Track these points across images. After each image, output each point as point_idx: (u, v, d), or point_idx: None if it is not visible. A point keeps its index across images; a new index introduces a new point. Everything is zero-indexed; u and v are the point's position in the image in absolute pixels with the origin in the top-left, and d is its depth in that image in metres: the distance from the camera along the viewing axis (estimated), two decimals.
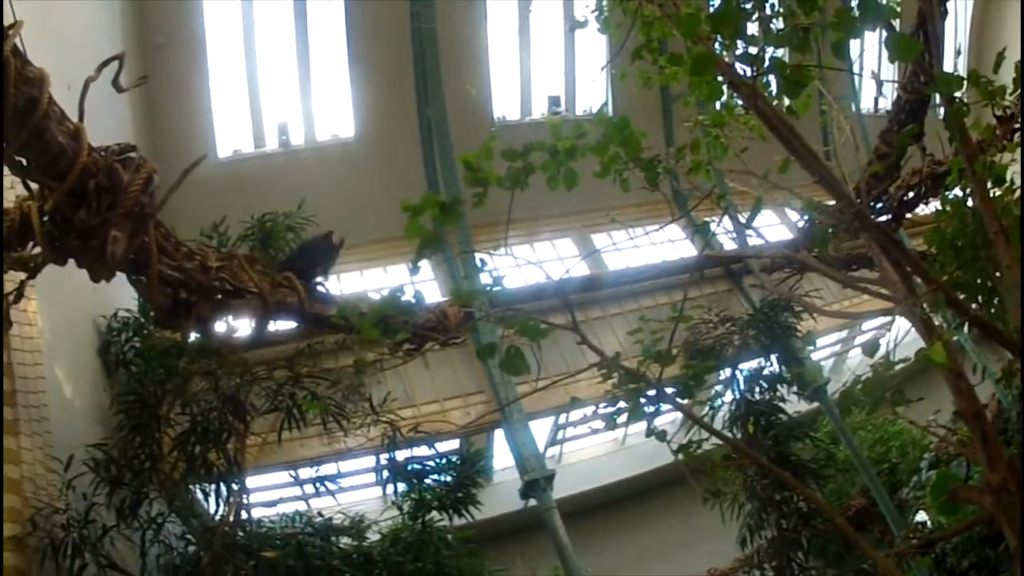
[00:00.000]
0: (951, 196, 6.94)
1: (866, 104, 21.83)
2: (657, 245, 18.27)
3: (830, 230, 6.83)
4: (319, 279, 8.97)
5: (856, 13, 4.45)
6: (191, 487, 9.71)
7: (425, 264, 15.70)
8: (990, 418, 16.15)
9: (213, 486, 9.59)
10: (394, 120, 17.16)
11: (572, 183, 6.88)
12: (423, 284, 16.15)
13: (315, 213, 11.74)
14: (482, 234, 15.37)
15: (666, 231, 17.00)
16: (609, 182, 7.22)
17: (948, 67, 29.60)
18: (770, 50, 4.93)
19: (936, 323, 6.04)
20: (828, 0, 5.22)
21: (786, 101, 6.64)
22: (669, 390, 6.18)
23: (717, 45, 5.52)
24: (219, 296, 7.47)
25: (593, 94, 19.39)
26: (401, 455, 11.38)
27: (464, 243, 14.46)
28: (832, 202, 6.10)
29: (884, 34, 4.64)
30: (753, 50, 4.93)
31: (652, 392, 6.22)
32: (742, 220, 11.08)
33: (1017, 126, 11.01)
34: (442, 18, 15.47)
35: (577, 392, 10.48)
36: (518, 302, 12.71)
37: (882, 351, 5.24)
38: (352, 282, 16.62)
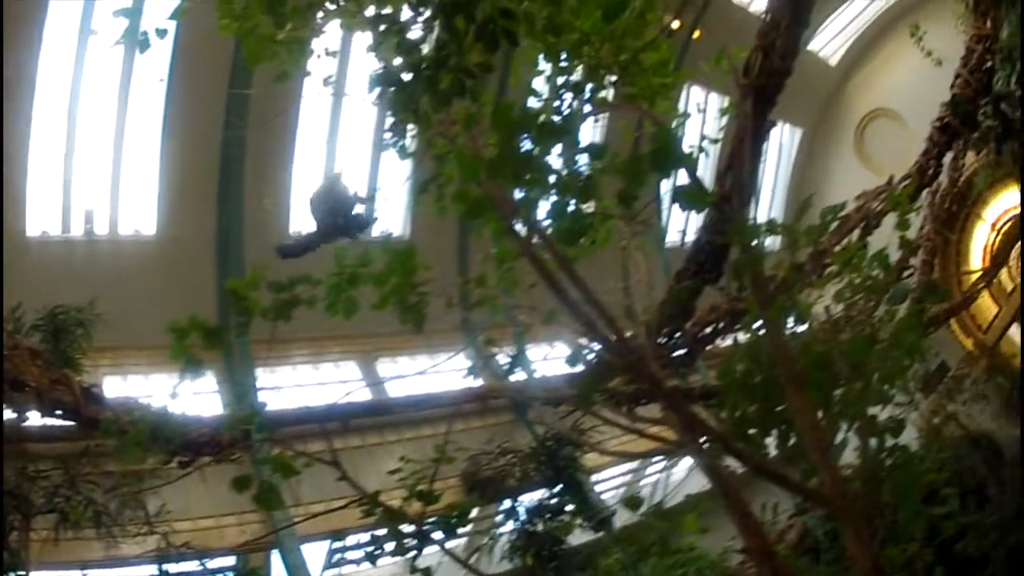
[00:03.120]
0: (746, 335, 7.18)
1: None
2: (444, 374, 18.32)
3: (598, 376, 7.14)
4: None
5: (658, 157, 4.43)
6: None
7: (211, 374, 15.48)
8: (796, 538, 16.82)
9: None
10: (194, 224, 16.87)
11: (351, 311, 7.08)
12: (206, 395, 15.73)
13: (105, 310, 11.48)
14: (272, 349, 15.21)
15: (453, 360, 17.29)
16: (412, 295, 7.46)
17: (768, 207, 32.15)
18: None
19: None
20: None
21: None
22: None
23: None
24: None
25: (395, 215, 19.64)
26: (179, 568, 11.03)
27: (245, 360, 14.32)
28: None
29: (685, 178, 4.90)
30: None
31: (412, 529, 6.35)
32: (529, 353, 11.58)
33: (827, 262, 11.56)
34: (255, 126, 15.63)
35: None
36: (295, 424, 12.75)
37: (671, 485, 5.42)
38: (137, 384, 16.00)
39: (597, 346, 6.12)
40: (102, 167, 16.55)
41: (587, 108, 7.07)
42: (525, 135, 4.69)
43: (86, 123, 16.08)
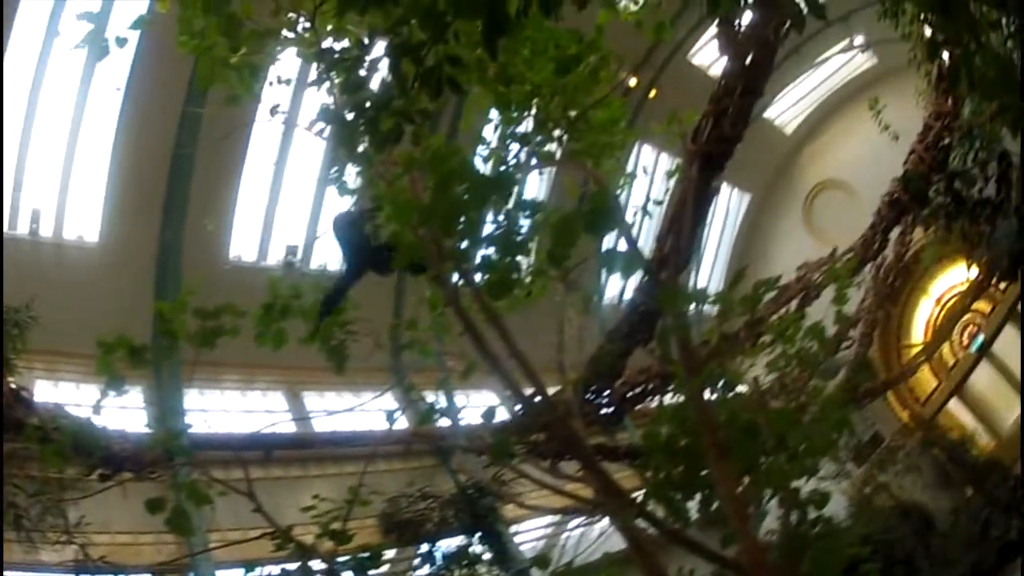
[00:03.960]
0: (674, 398, 7.13)
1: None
2: (370, 413, 18.17)
3: (518, 429, 7.11)
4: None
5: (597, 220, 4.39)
6: None
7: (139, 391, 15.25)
8: None
9: None
10: (137, 236, 16.68)
11: (279, 343, 7.01)
12: (134, 411, 15.44)
13: (43, 314, 11.26)
14: (202, 370, 15.03)
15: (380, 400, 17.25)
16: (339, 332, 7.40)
17: (710, 270, 32.34)
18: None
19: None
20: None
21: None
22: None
23: None
24: None
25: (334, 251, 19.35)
26: None
27: (174, 380, 14.13)
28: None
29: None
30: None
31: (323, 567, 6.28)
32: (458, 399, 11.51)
33: (762, 331, 11.55)
34: (206, 146, 15.53)
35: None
36: (217, 449, 12.54)
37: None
38: (68, 392, 15.69)
39: (519, 400, 6.09)
40: (53, 168, 16.34)
41: (533, 161, 7.07)
42: (461, 185, 4.65)
43: (42, 123, 15.86)
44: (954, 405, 28.94)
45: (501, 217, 5.12)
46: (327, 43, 6.97)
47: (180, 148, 15.95)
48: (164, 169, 16.51)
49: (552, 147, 7.10)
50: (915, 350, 28.33)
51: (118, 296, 15.77)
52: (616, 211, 4.95)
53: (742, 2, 3.98)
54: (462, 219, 4.58)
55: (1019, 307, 25.58)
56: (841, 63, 30.49)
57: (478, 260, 5.02)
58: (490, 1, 3.48)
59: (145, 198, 16.59)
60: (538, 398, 6.24)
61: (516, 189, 7.50)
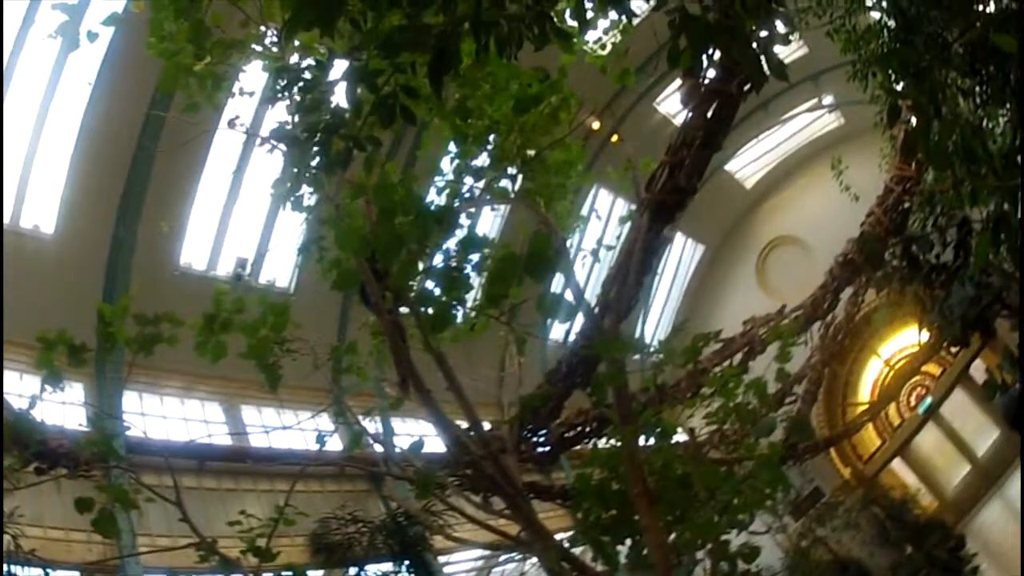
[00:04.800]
0: (607, 443, 7.14)
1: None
2: (308, 432, 18.01)
3: (450, 462, 7.07)
4: None
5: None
6: None
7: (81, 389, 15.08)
8: None
9: None
10: (91, 232, 16.47)
11: (218, 356, 6.96)
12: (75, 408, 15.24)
13: None
14: (144, 374, 15.01)
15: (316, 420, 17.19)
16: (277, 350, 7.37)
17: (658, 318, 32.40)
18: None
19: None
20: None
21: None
22: None
23: None
24: None
25: (284, 266, 19.37)
26: (24, 573, 10.63)
27: (115, 382, 13.97)
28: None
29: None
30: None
31: None
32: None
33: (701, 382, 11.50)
34: (167, 150, 15.43)
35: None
36: (152, 455, 12.40)
37: None
38: (11, 382, 15.41)
39: (448, 433, 6.09)
40: (16, 155, 16.06)
41: (487, 196, 7.09)
42: (406, 216, 4.64)
43: (8, 108, 15.57)
44: (898, 465, 29.25)
45: (445, 252, 5.10)
46: (293, 59, 6.99)
47: (141, 149, 15.84)
48: (124, 168, 16.39)
49: (506, 184, 7.13)
50: (860, 409, 28.61)
51: (68, 289, 15.58)
52: (558, 255, 4.97)
53: (703, 59, 3.95)
54: (404, 250, 4.59)
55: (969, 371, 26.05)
56: (808, 121, 30.92)
57: (419, 292, 5.02)
58: (440, 37, 3.47)
59: (103, 195, 16.42)
60: (471, 432, 6.25)
61: (469, 224, 7.58)
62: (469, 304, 5.80)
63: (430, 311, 4.91)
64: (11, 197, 16.21)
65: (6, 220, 16.05)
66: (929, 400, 28.26)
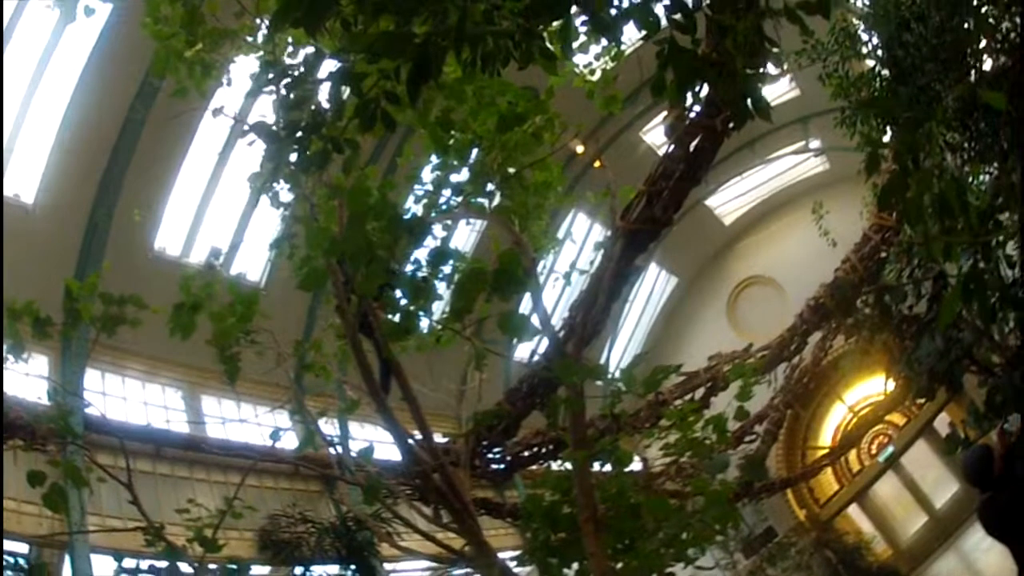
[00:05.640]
0: (559, 467, 7.15)
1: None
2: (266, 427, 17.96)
3: (402, 471, 7.05)
4: None
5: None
6: None
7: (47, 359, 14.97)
8: None
9: None
10: (71, 207, 16.41)
11: (188, 333, 6.95)
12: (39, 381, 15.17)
13: None
14: (108, 354, 14.97)
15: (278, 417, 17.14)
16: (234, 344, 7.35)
17: (625, 346, 32.42)
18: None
19: None
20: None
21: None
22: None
23: None
24: None
25: (258, 260, 19.15)
26: None
27: (79, 358, 13.86)
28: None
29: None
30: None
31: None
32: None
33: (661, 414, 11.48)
34: (150, 133, 15.43)
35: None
36: (109, 435, 12.31)
37: None
38: None
39: (400, 442, 6.09)
40: (4, 123, 15.93)
41: (463, 210, 7.09)
42: (377, 222, 4.64)
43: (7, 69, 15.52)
44: (854, 511, 29.40)
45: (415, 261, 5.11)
46: (285, 53, 7.00)
47: (127, 129, 15.90)
48: (108, 146, 16.36)
49: (483, 200, 7.14)
50: (820, 452, 28.72)
51: (42, 261, 15.49)
52: (527, 274, 4.98)
53: (688, 95, 3.97)
54: (372, 256, 4.59)
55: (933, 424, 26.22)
56: (793, 163, 31.09)
57: (385, 299, 5.02)
58: (422, 46, 3.47)
59: (85, 171, 16.37)
60: (423, 442, 6.25)
61: (444, 236, 7.60)
62: (436, 316, 5.82)
63: (391, 320, 4.94)
64: None
65: None
66: (891, 449, 28.45)
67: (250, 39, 7.63)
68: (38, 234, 16.16)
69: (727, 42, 3.89)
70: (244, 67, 8.13)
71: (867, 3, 10.57)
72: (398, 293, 4.95)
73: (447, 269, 5.25)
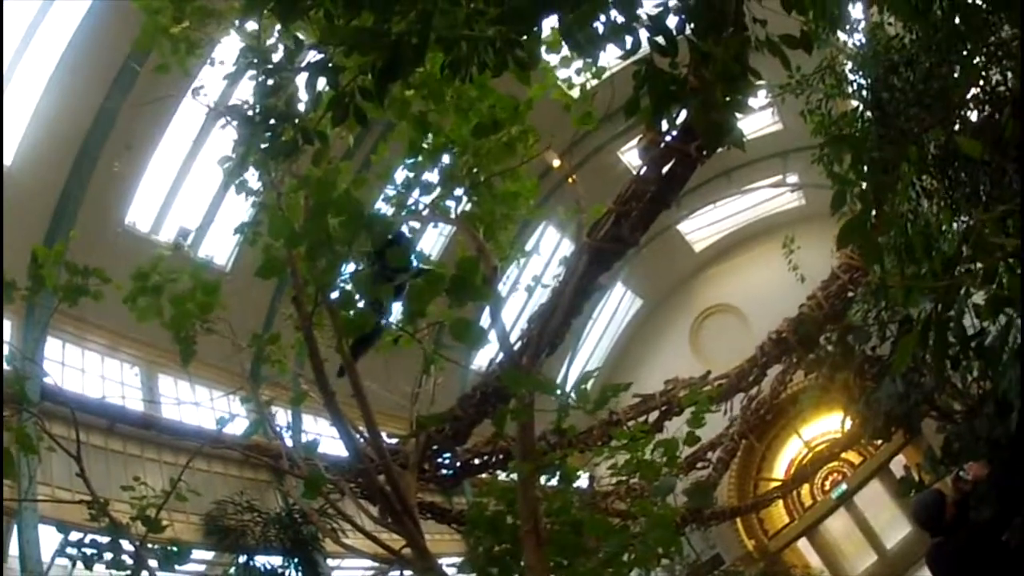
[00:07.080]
0: (506, 477, 7.15)
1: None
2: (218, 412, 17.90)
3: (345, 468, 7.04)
4: None
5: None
6: None
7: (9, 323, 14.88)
8: None
9: None
10: (46, 174, 16.35)
11: (144, 316, 6.92)
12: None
13: None
14: (71, 324, 14.92)
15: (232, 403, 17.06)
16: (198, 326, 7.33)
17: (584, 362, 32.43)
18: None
19: None
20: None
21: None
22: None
23: None
24: None
25: (225, 244, 19.21)
26: None
27: (41, 326, 13.81)
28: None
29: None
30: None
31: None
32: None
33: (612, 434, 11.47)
34: (131, 106, 15.40)
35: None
36: (64, 405, 12.25)
37: None
38: None
39: (346, 439, 6.09)
40: None
41: (431, 213, 7.11)
42: (338, 216, 4.63)
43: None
44: (804, 545, 29.54)
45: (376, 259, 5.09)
46: (268, 39, 6.97)
47: (108, 101, 15.89)
48: (88, 117, 16.36)
49: (450, 204, 7.16)
50: (773, 484, 28.87)
51: (15, 227, 15.37)
52: (485, 283, 4.99)
53: (663, 119, 3.98)
54: (330, 249, 4.59)
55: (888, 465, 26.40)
56: (769, 196, 31.21)
57: (341, 294, 5.01)
58: (395, 45, 3.48)
59: (62, 140, 16.36)
60: (372, 441, 6.24)
61: (411, 238, 7.59)
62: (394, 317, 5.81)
63: (345, 316, 4.94)
64: None
65: None
66: (844, 487, 28.63)
67: (237, 21, 7.60)
68: (10, 199, 16.05)
69: (707, 69, 3.89)
70: (228, 49, 8.13)
71: (859, 44, 10.62)
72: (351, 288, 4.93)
73: (407, 271, 5.24)
